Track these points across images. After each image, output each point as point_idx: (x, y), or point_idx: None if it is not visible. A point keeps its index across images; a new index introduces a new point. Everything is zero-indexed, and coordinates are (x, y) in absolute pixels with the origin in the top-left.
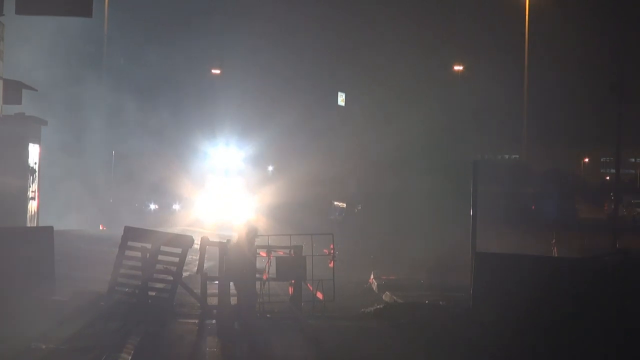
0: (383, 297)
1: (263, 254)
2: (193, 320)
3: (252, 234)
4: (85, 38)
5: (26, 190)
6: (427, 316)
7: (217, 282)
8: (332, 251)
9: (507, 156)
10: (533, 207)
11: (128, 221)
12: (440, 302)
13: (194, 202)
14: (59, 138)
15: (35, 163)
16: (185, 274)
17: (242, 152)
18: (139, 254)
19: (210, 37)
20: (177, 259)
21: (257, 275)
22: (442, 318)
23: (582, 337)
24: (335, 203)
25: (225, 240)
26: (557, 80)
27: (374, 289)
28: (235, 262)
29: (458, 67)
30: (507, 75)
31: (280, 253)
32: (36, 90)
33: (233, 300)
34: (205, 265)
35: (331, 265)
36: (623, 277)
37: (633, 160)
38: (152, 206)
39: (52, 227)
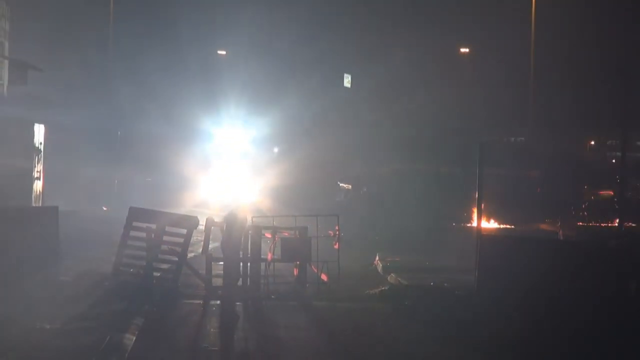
0: (388, 279)
1: (268, 235)
2: (198, 301)
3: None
4: (91, 17)
5: (31, 171)
6: (432, 298)
7: (221, 263)
8: (337, 233)
9: (512, 139)
10: (539, 190)
11: (132, 202)
12: (445, 284)
13: (199, 183)
14: (65, 118)
15: (41, 143)
16: (190, 254)
17: (247, 133)
18: (144, 235)
19: (215, 18)
20: (182, 240)
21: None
22: (447, 300)
23: (585, 318)
24: (341, 185)
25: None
26: (563, 62)
27: (379, 270)
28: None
29: (464, 49)
30: (514, 57)
31: (286, 234)
32: (42, 71)
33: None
34: (210, 246)
35: (336, 246)
36: (627, 260)
37: (639, 143)
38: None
39: (57, 207)
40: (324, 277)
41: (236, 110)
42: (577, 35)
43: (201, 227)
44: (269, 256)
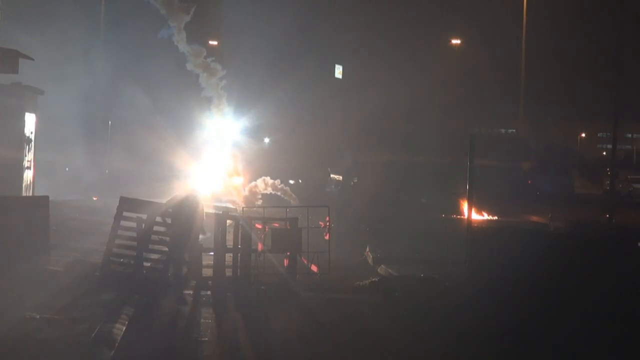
0: (378, 270)
1: (259, 225)
2: (188, 291)
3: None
4: (82, 6)
5: (22, 160)
6: (422, 290)
7: (212, 253)
8: (327, 224)
9: (503, 130)
10: (529, 182)
11: (123, 191)
12: (435, 276)
13: (189, 173)
14: (56, 108)
15: (32, 132)
16: None
17: (238, 123)
18: (134, 225)
19: (206, 8)
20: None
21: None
22: (437, 291)
23: (573, 308)
24: (332, 175)
25: (220, 212)
26: (555, 54)
27: (370, 262)
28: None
29: (456, 41)
30: (504, 49)
31: (276, 225)
32: (33, 60)
33: (228, 272)
34: (201, 236)
35: (327, 237)
36: (613, 251)
37: (630, 135)
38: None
39: (47, 197)
40: (314, 268)
41: (227, 100)
42: (569, 28)
43: None
44: (260, 246)
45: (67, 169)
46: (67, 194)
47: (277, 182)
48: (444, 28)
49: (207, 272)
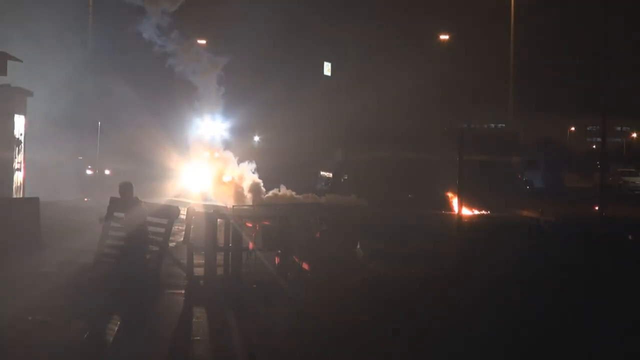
0: (370, 267)
1: (249, 224)
2: (179, 291)
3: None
4: (70, 8)
5: (12, 162)
6: (413, 286)
7: (203, 252)
8: (318, 221)
9: (493, 125)
10: (519, 176)
11: (113, 192)
12: (426, 272)
13: (179, 172)
14: (45, 109)
15: (21, 134)
16: (171, 244)
17: (228, 122)
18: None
19: (195, 7)
20: (163, 230)
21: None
22: (428, 288)
23: (564, 300)
24: (322, 173)
25: (211, 211)
26: (543, 47)
27: (361, 259)
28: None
29: (444, 36)
30: (493, 43)
31: (266, 223)
32: (21, 62)
33: (219, 271)
34: (192, 235)
35: (317, 235)
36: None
37: (619, 128)
38: None
39: (38, 198)
40: (305, 266)
41: (216, 98)
42: (557, 21)
43: (182, 216)
44: (251, 245)
45: (61, 169)
46: (58, 195)
47: (252, 167)
48: (434, 23)
49: (199, 271)
